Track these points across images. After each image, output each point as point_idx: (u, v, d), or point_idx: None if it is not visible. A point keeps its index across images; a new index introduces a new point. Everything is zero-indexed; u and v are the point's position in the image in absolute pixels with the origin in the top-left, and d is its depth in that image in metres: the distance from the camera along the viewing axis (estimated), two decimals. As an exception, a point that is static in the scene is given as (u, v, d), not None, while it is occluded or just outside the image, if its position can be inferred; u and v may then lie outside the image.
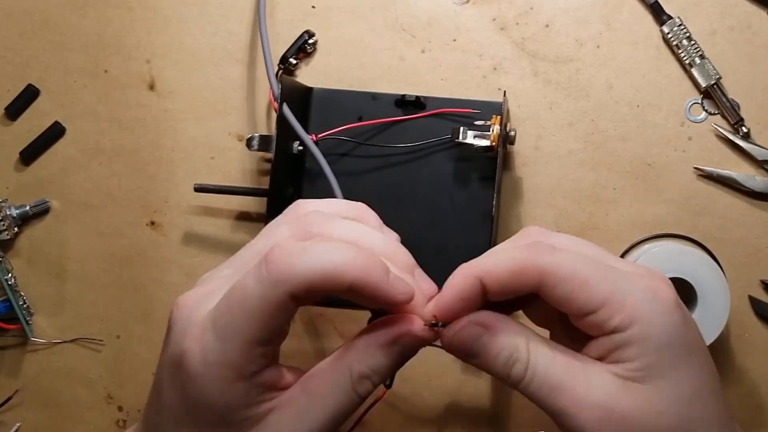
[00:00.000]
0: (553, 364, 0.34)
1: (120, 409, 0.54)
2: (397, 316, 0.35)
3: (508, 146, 0.50)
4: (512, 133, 0.49)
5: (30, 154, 0.55)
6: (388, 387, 0.44)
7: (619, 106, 0.51)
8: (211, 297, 0.33)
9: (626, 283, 0.34)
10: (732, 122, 0.50)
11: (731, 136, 0.50)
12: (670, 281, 0.35)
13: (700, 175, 0.50)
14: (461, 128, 0.48)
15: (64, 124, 0.55)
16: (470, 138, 0.48)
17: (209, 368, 0.32)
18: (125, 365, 0.54)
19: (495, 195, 0.46)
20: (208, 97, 0.54)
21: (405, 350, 0.35)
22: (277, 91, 0.47)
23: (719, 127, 0.50)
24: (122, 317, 0.54)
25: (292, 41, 0.53)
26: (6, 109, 0.55)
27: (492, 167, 0.47)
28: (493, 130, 0.46)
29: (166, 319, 0.54)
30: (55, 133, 0.55)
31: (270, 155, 0.51)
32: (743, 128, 0.49)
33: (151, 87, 0.54)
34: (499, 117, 0.47)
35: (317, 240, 0.33)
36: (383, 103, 0.51)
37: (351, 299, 0.33)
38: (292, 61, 0.53)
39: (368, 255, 0.32)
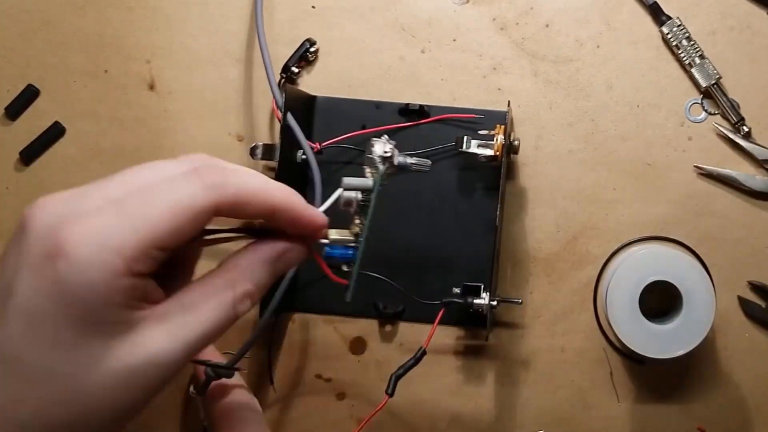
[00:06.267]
0: None
1: (120, 409, 0.54)
2: (279, 236, 0.35)
3: (511, 156, 0.49)
4: (516, 143, 0.48)
5: (30, 154, 0.55)
6: (391, 395, 0.44)
7: (619, 106, 0.51)
8: (83, 200, 0.31)
9: None
10: (733, 122, 0.50)
11: (732, 136, 0.50)
12: None
13: (700, 174, 0.50)
14: (465, 137, 0.47)
15: (64, 124, 0.55)
16: (474, 147, 0.47)
17: (101, 253, 0.30)
18: (125, 365, 0.54)
19: (498, 205, 0.46)
20: (208, 97, 0.54)
21: (285, 267, 0.35)
22: (281, 100, 0.47)
23: (720, 126, 0.50)
24: (122, 317, 0.54)
25: (292, 41, 0.53)
26: (6, 109, 0.55)
27: (496, 176, 0.46)
28: (496, 140, 0.46)
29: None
30: (55, 133, 0.55)
31: (273, 164, 0.50)
32: (744, 127, 0.49)
33: (151, 87, 0.54)
34: (503, 126, 0.47)
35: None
36: (387, 111, 0.51)
37: (266, 223, 0.34)
38: (294, 69, 0.52)
39: (288, 188, 0.34)
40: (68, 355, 0.31)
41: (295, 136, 0.47)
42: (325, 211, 0.36)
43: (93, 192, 0.32)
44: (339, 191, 0.37)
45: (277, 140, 0.50)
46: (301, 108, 0.50)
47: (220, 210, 0.32)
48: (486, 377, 0.51)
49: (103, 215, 0.31)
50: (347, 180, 0.37)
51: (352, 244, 0.37)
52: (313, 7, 0.54)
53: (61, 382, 0.31)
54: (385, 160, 0.38)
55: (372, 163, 0.38)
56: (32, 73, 0.55)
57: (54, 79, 0.55)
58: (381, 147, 0.38)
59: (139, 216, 0.31)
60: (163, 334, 0.32)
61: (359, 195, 0.37)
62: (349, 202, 0.37)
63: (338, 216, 0.37)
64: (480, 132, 0.48)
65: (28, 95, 0.55)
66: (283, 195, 0.34)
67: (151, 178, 0.33)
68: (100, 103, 0.55)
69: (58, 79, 0.55)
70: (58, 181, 0.55)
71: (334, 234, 0.37)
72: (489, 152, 0.46)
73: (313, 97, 0.52)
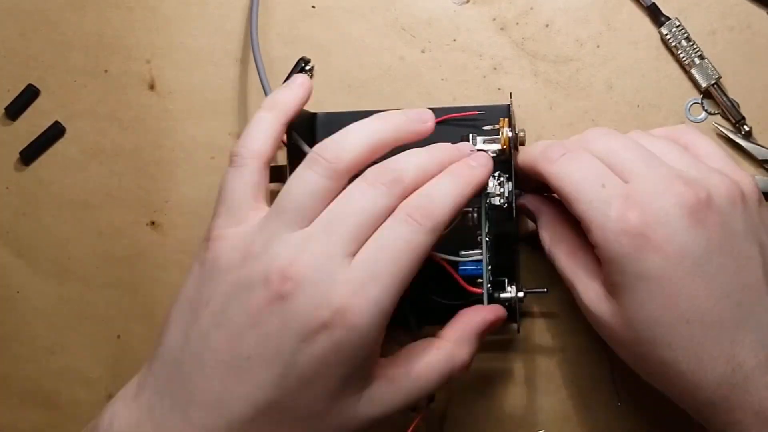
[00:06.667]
0: (562, 263, 0.43)
1: (120, 409, 0.54)
2: (483, 307, 0.43)
3: (518, 148, 0.49)
4: (521, 134, 0.48)
5: (30, 154, 0.55)
6: (431, 401, 0.44)
7: (619, 106, 0.51)
8: (328, 259, 0.37)
9: (601, 204, 0.38)
10: (733, 122, 0.50)
11: (732, 136, 0.50)
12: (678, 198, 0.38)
13: (701, 175, 0.50)
14: (470, 135, 0.47)
15: (64, 124, 0.55)
16: (480, 144, 0.47)
17: (373, 319, 0.36)
18: (125, 365, 0.54)
19: (513, 198, 0.45)
20: (208, 97, 0.54)
21: (489, 332, 0.42)
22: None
23: (720, 126, 0.50)
24: (122, 317, 0.54)
25: (292, 41, 0.53)
26: (6, 109, 0.55)
27: (506, 171, 0.46)
28: (502, 134, 0.46)
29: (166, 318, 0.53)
30: (55, 133, 0.55)
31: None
32: (744, 127, 0.50)
33: (151, 87, 0.54)
34: (506, 120, 0.46)
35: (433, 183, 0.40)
36: None
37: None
38: None
39: (463, 172, 0.41)
40: (331, 403, 0.37)
41: (304, 153, 0.46)
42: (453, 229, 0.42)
43: (327, 246, 0.37)
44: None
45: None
46: (303, 127, 0.50)
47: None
48: (485, 376, 0.51)
49: (368, 287, 0.36)
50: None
51: (479, 257, 0.43)
52: (313, 7, 0.54)
53: (318, 426, 0.37)
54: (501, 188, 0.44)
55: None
56: (32, 73, 0.55)
57: (54, 79, 0.55)
58: (494, 181, 0.44)
59: (392, 278, 0.36)
60: (390, 396, 0.38)
61: (475, 213, 0.43)
62: (468, 219, 0.43)
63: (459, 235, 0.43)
64: (485, 128, 0.47)
65: (28, 95, 0.55)
66: (474, 186, 0.41)
67: (366, 212, 0.38)
68: (100, 103, 0.55)
69: (58, 79, 0.55)
70: (58, 181, 0.55)
71: (464, 252, 0.43)
72: (496, 147, 0.46)
73: (314, 115, 0.51)
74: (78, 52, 0.55)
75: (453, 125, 0.50)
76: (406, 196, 0.39)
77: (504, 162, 0.46)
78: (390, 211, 0.38)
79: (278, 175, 0.50)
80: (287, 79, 0.52)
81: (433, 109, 0.50)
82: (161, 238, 0.54)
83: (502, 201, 0.44)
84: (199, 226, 0.54)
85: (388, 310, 0.36)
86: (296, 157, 0.47)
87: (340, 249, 0.37)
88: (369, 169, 0.39)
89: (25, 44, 0.55)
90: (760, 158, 0.49)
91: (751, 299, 0.37)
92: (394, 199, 0.38)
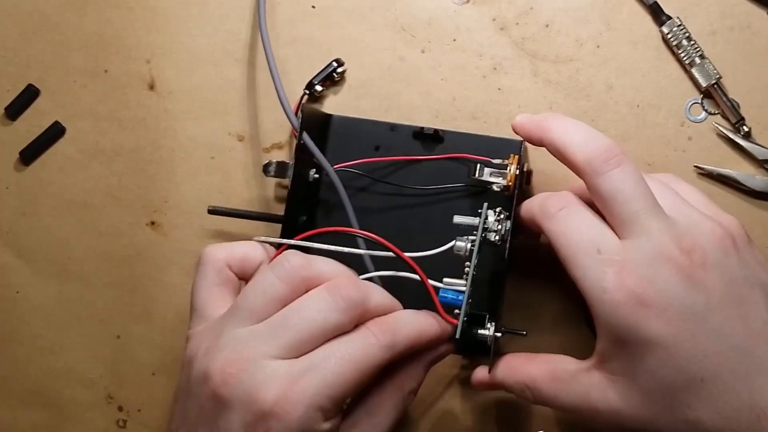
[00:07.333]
0: (550, 392, 0.42)
1: (120, 409, 0.54)
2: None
3: (525, 186, 0.48)
4: (528, 174, 0.47)
5: (30, 154, 0.55)
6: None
7: (619, 106, 0.51)
8: (267, 360, 0.37)
9: (597, 273, 0.38)
10: (733, 122, 0.50)
11: (732, 135, 0.50)
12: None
13: (700, 174, 0.50)
14: (478, 165, 0.46)
15: (64, 124, 0.55)
16: (487, 175, 0.46)
17: (308, 413, 0.36)
18: (125, 365, 0.54)
19: (508, 237, 0.44)
20: (208, 97, 0.54)
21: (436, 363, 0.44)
22: (296, 123, 0.47)
23: (720, 126, 0.50)
24: (122, 317, 0.54)
25: (292, 41, 0.53)
26: (6, 109, 0.55)
27: (509, 206, 0.45)
28: (509, 170, 0.45)
29: (166, 319, 0.54)
30: (55, 133, 0.55)
31: (286, 181, 0.51)
32: (744, 127, 0.49)
33: (151, 87, 0.54)
34: (516, 157, 0.46)
35: (399, 313, 0.41)
36: (401, 134, 0.50)
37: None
38: (318, 88, 0.52)
39: (429, 315, 0.41)
40: None
41: (314, 157, 0.47)
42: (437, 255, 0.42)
43: (268, 346, 0.37)
44: (453, 242, 0.43)
45: (282, 142, 0.50)
46: (316, 127, 0.50)
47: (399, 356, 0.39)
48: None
49: (306, 379, 0.36)
50: (458, 218, 0.43)
51: (462, 288, 0.42)
52: (313, 7, 0.54)
53: None
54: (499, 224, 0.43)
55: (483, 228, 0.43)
56: (32, 73, 0.55)
57: (54, 79, 0.55)
58: (493, 217, 0.43)
59: (336, 379, 0.36)
60: None
61: (469, 245, 0.42)
62: (460, 249, 0.42)
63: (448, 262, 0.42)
64: (494, 161, 0.47)
65: (28, 95, 0.55)
66: (436, 329, 0.41)
67: (314, 324, 0.38)
68: (100, 103, 0.55)
69: (58, 79, 0.55)
70: (58, 180, 0.55)
71: (448, 280, 0.42)
72: (502, 182, 0.45)
73: (329, 116, 0.51)
74: (78, 52, 0.55)
75: (464, 151, 0.49)
76: (364, 321, 0.39)
77: (507, 199, 0.46)
78: (342, 330, 0.38)
79: (282, 170, 0.50)
80: (319, 74, 0.52)
81: (445, 132, 0.50)
82: (161, 238, 0.54)
83: (497, 238, 0.43)
84: (198, 226, 0.54)
85: (327, 409, 0.36)
86: (303, 155, 0.47)
87: (282, 352, 0.37)
88: (336, 279, 0.39)
89: (25, 44, 0.55)
90: (760, 158, 0.49)
91: (760, 344, 0.37)
92: (348, 318, 0.38)
